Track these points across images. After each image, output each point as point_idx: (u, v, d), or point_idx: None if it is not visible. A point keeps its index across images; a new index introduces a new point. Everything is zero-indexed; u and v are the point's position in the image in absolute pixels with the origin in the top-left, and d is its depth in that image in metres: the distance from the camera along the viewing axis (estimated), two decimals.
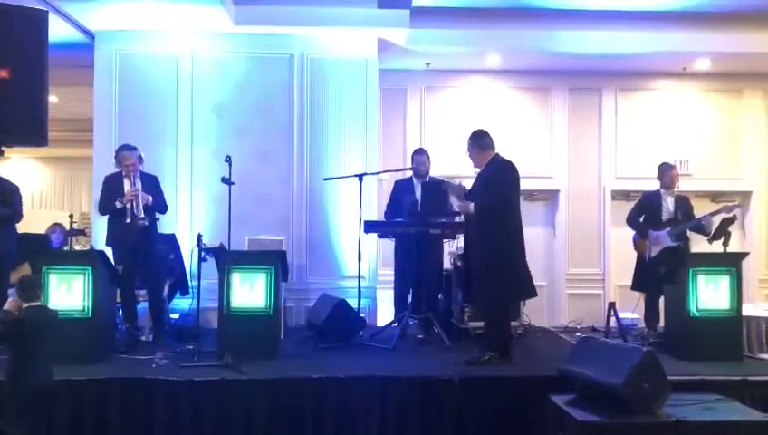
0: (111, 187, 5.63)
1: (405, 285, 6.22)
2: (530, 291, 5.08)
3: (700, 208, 6.50)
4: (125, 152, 5.64)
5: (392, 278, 6.55)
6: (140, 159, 5.72)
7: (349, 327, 5.77)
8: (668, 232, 6.11)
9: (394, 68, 7.73)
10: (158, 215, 5.77)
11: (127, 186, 5.55)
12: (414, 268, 5.97)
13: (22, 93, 3.20)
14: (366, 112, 7.17)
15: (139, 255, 5.59)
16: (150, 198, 5.58)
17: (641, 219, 6.37)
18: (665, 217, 6.21)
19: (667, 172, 6.30)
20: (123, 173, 5.60)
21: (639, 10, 7.13)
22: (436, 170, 6.60)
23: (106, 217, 5.70)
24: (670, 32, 7.28)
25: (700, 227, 6.10)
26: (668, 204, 6.24)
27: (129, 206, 5.46)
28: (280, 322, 5.49)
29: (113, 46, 6.98)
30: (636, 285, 6.43)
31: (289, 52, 7.11)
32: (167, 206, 5.85)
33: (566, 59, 7.68)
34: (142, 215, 5.45)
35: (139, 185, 5.53)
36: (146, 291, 5.82)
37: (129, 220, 5.44)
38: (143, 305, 5.90)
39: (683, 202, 6.27)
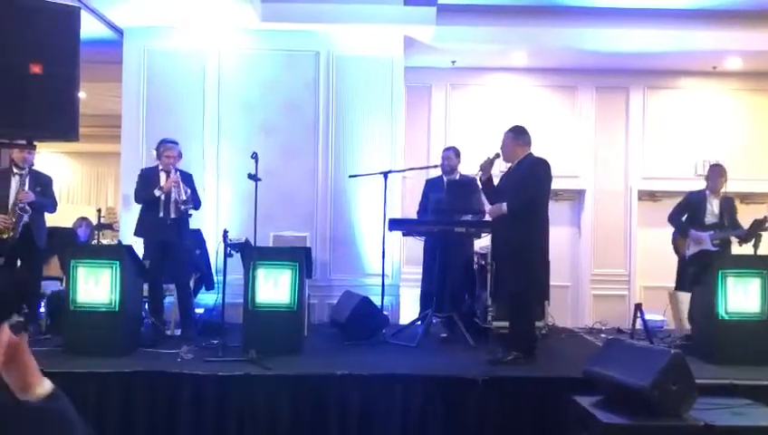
0: (147, 179, 5.73)
1: (431, 284, 6.21)
2: (547, 293, 5.12)
3: None
4: (169, 145, 5.75)
5: (415, 276, 6.55)
6: (180, 154, 5.84)
7: (372, 325, 5.77)
8: (710, 235, 6.00)
9: (419, 65, 7.72)
10: (190, 211, 5.84)
11: (163, 179, 5.65)
12: (438, 267, 5.95)
13: (54, 89, 3.21)
14: (391, 110, 7.16)
15: (169, 249, 5.66)
16: (189, 190, 5.67)
17: (683, 218, 6.26)
18: (709, 219, 6.07)
19: (715, 176, 6.12)
20: (160, 167, 5.69)
21: (669, 8, 7.03)
22: (460, 168, 6.57)
23: (133, 212, 5.76)
24: (700, 30, 7.18)
25: (743, 237, 5.98)
26: (713, 206, 6.10)
27: (164, 199, 5.56)
28: (304, 318, 5.51)
29: (141, 43, 7.05)
30: (680, 285, 6.31)
31: (315, 49, 7.13)
32: (200, 202, 5.92)
33: (593, 57, 7.61)
34: (184, 198, 5.54)
35: (178, 175, 5.63)
36: (174, 285, 5.88)
37: (162, 214, 5.53)
38: (169, 300, 5.95)
39: (728, 205, 6.12)
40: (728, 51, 7.42)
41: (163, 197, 5.56)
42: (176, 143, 5.84)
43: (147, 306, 5.81)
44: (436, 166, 6.49)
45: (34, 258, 5.79)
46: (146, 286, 5.71)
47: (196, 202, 5.83)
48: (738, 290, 5.07)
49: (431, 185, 6.43)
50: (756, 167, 8.16)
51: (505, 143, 5.11)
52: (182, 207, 5.55)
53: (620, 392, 3.82)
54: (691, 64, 7.90)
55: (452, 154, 6.43)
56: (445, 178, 6.37)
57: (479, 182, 5.29)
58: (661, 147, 8.19)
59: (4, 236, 5.53)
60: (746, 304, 5.07)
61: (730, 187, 7.59)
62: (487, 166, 5.14)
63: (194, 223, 6.44)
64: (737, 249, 6.05)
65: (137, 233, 5.79)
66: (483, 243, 6.11)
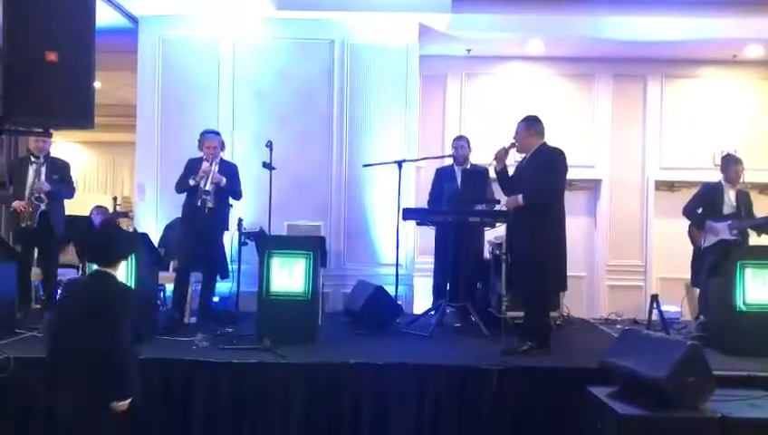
0: (190, 168, 5.81)
1: (444, 274, 6.19)
2: (565, 283, 5.08)
3: None
4: (208, 135, 5.84)
5: (429, 266, 6.54)
6: (222, 145, 5.92)
7: (386, 314, 5.77)
8: (729, 225, 5.93)
9: (434, 54, 7.66)
10: (231, 201, 5.91)
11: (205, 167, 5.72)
12: (452, 256, 5.93)
13: (70, 77, 3.22)
14: (405, 99, 7.13)
15: (202, 239, 5.73)
16: (224, 179, 5.72)
17: (699, 211, 6.19)
18: (726, 210, 6.00)
19: (732, 165, 6.08)
20: (204, 157, 5.76)
21: None
22: (475, 158, 6.54)
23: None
24: (720, 18, 7.06)
25: (762, 227, 5.91)
26: (731, 198, 6.03)
27: (201, 185, 5.63)
28: (318, 307, 5.51)
29: (156, 31, 7.06)
30: (695, 281, 6.24)
31: (329, 38, 7.10)
32: (241, 193, 5.97)
33: (611, 45, 7.51)
34: (207, 188, 5.60)
35: (215, 167, 5.69)
36: (202, 274, 5.94)
37: (199, 203, 5.56)
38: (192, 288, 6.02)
39: (745, 197, 6.08)
40: (749, 39, 7.29)
41: (203, 186, 5.63)
42: (217, 133, 5.93)
43: (168, 294, 5.87)
44: (450, 155, 6.46)
45: (51, 246, 5.86)
46: (166, 275, 5.77)
47: (235, 193, 5.91)
48: (757, 281, 5.02)
49: (442, 175, 6.41)
50: None
51: (519, 134, 5.06)
52: (203, 196, 5.59)
53: (636, 384, 3.80)
54: (710, 53, 7.78)
55: (464, 143, 6.42)
56: (457, 168, 6.35)
57: (494, 172, 5.25)
58: (679, 137, 8.09)
59: (22, 224, 5.60)
60: (765, 295, 5.02)
61: (749, 177, 7.56)
62: (502, 155, 5.10)
63: None
64: (756, 240, 5.98)
65: (181, 221, 5.95)
66: (497, 232, 6.07)
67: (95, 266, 3.41)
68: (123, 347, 3.22)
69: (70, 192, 5.93)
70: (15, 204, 5.61)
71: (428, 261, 6.63)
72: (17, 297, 5.51)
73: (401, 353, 4.79)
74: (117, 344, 3.17)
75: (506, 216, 5.33)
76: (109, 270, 3.37)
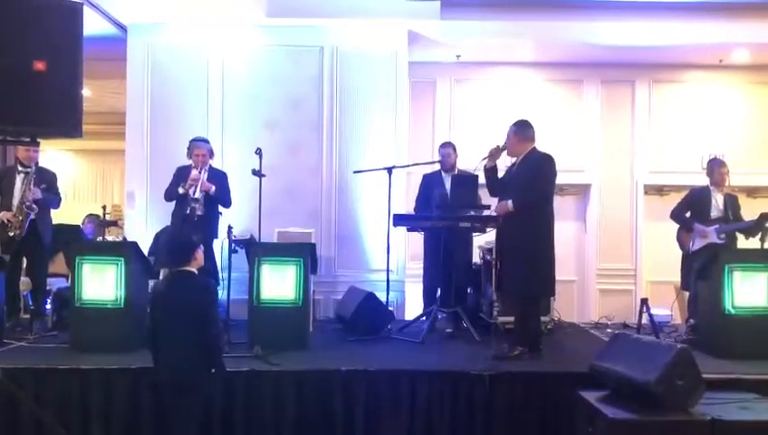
0: (179, 175, 5.82)
1: (434, 279, 6.19)
2: (554, 289, 5.10)
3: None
4: (197, 143, 5.87)
5: (420, 272, 6.54)
6: (211, 153, 5.95)
7: (377, 320, 5.77)
8: (716, 229, 5.97)
9: (423, 60, 7.68)
10: (221, 209, 5.92)
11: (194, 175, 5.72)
12: (443, 262, 5.94)
13: (57, 86, 3.22)
14: (395, 105, 7.14)
15: None
16: (213, 187, 5.75)
17: (687, 215, 6.22)
18: (714, 214, 6.04)
19: (716, 169, 6.13)
20: (193, 165, 5.76)
21: (675, 0, 6.98)
22: (466, 164, 6.55)
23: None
24: (707, 22, 7.10)
25: (750, 230, 5.95)
26: (718, 202, 6.07)
27: (190, 193, 5.64)
28: (309, 314, 5.51)
29: (145, 39, 7.05)
30: (685, 284, 6.27)
31: (319, 44, 7.11)
32: (230, 201, 5.99)
33: (599, 50, 7.55)
34: (196, 196, 5.62)
35: (204, 175, 5.71)
36: None
37: (188, 211, 5.56)
38: None
39: (732, 201, 6.12)
40: (735, 43, 7.34)
41: (192, 194, 5.63)
42: (205, 141, 5.96)
43: None
44: (439, 161, 6.47)
45: (40, 255, 5.83)
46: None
47: (225, 201, 5.93)
48: (745, 284, 5.05)
49: (430, 180, 6.41)
50: (763, 160, 8.09)
51: (509, 138, 5.09)
52: (192, 204, 5.58)
53: (627, 387, 3.81)
54: (697, 57, 7.84)
55: (451, 151, 6.44)
56: (444, 174, 6.35)
57: (483, 170, 5.26)
58: (668, 141, 8.13)
59: (10, 233, 5.56)
60: (753, 298, 5.05)
61: (737, 180, 7.61)
62: (495, 153, 5.14)
63: None
64: (743, 243, 6.01)
65: (170, 228, 5.94)
66: (488, 238, 6.09)
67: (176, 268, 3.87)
68: (216, 331, 3.81)
69: (57, 202, 5.91)
70: (2, 215, 5.57)
71: (419, 266, 6.63)
72: (6, 307, 5.47)
73: (393, 360, 4.80)
74: (212, 329, 3.72)
75: (497, 221, 5.34)
76: (187, 268, 3.82)
